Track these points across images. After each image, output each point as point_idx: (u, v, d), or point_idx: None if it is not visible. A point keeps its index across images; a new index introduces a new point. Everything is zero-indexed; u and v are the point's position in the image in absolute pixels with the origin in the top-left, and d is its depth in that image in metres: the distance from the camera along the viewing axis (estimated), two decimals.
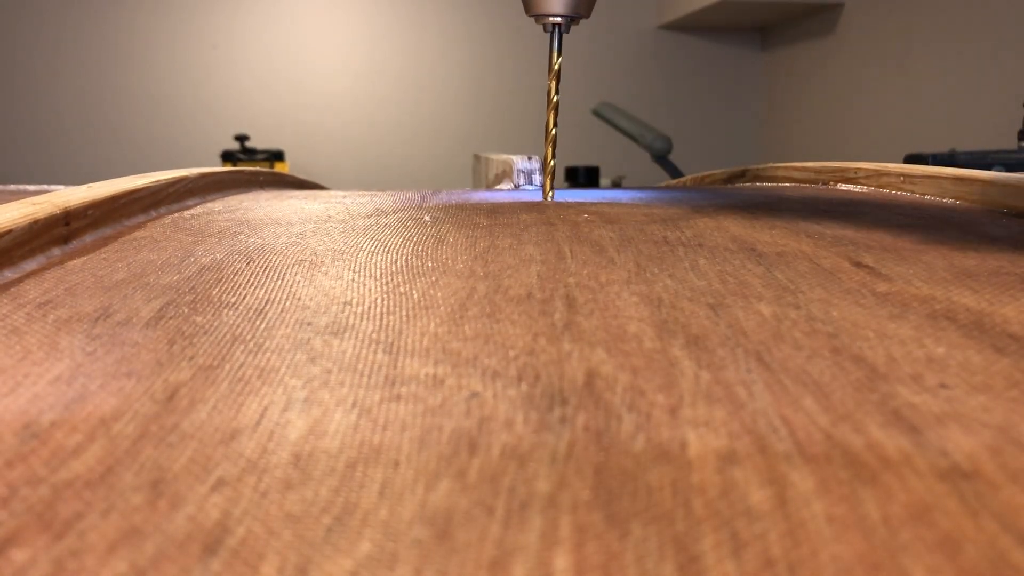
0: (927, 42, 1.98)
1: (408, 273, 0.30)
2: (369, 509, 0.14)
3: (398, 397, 0.19)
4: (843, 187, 0.64)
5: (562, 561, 0.13)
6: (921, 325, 0.24)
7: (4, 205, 0.33)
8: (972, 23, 1.84)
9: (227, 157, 2.40)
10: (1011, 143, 1.39)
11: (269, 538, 0.13)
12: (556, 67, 0.57)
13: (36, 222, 0.32)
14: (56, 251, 0.34)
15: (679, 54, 2.81)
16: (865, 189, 0.62)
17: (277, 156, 2.44)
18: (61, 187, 0.47)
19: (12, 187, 0.71)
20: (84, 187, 0.41)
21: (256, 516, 0.14)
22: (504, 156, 0.83)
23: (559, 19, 0.55)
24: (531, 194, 0.61)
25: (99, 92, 2.58)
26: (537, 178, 0.76)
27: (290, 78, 2.67)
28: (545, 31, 0.57)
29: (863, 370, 0.20)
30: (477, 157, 1.19)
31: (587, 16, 0.56)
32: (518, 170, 0.76)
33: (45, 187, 0.65)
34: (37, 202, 0.34)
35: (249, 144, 2.45)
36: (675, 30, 2.78)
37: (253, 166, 1.98)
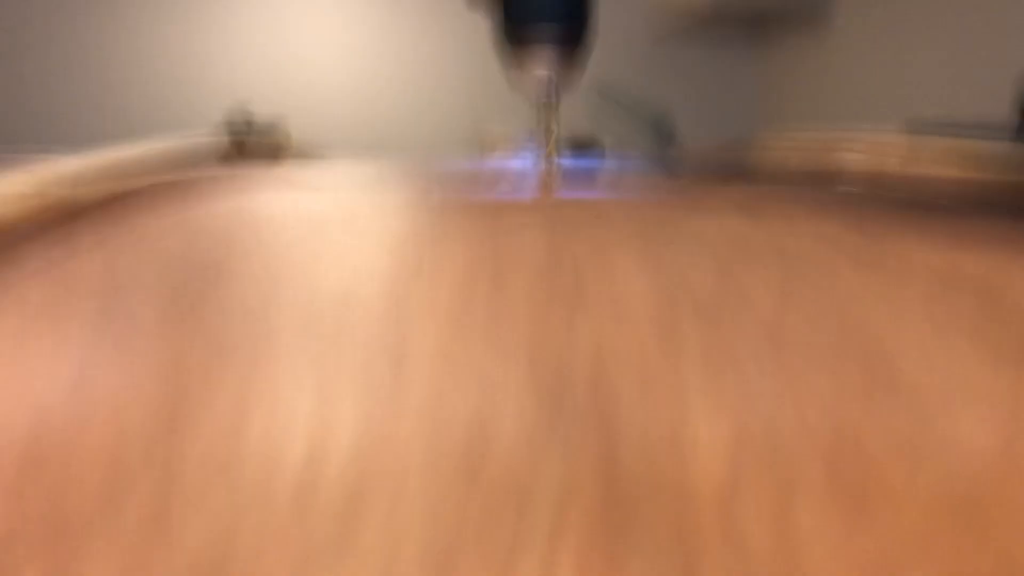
0: (921, 36, 1.96)
1: (412, 253, 0.30)
2: (375, 512, 0.14)
3: (405, 389, 0.19)
4: (844, 173, 0.63)
5: (568, 552, 0.13)
6: (928, 302, 0.23)
7: (3, 201, 0.33)
8: (966, 13, 1.82)
9: (228, 125, 2.39)
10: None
11: (277, 552, 0.13)
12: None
13: (37, 219, 0.32)
14: (58, 249, 0.34)
15: (679, 39, 2.78)
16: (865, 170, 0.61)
17: (278, 123, 2.43)
18: (59, 157, 0.46)
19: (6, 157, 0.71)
20: (85, 176, 0.41)
21: (258, 546, 0.14)
22: (506, 128, 0.83)
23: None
24: (534, 165, 0.61)
25: (100, 61, 2.56)
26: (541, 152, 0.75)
27: (291, 44, 2.65)
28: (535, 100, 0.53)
29: (872, 344, 0.20)
30: (479, 128, 1.19)
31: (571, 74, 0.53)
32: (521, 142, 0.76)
33: (42, 157, 0.65)
34: (38, 196, 0.34)
35: (250, 111, 2.44)
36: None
37: (255, 137, 1.97)
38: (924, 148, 0.56)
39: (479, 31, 2.70)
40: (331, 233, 0.37)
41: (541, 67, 0.52)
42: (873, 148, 0.62)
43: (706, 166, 0.63)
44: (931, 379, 0.19)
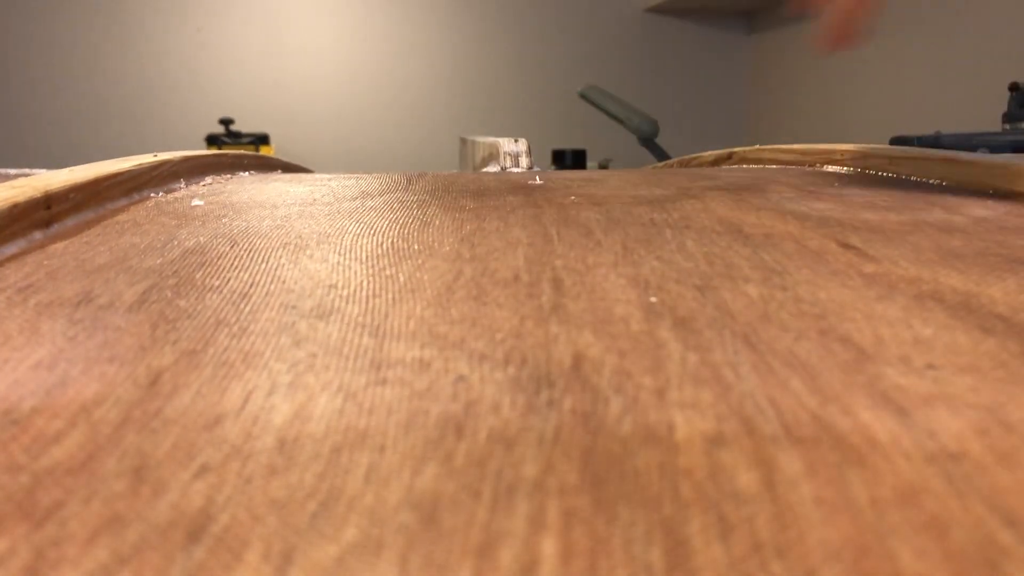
0: (912, 25, 1.98)
1: (394, 256, 0.30)
2: (355, 494, 0.14)
3: (384, 381, 0.18)
4: (829, 169, 0.64)
5: (549, 545, 0.13)
6: (908, 306, 0.24)
7: None
8: (957, 6, 1.84)
9: (212, 141, 2.39)
10: (996, 125, 1.40)
11: (253, 524, 0.13)
12: None
13: (16, 206, 0.32)
14: (37, 235, 0.33)
15: (666, 37, 2.81)
16: (851, 171, 0.62)
17: (262, 139, 2.42)
18: (43, 171, 0.46)
19: None
20: (66, 170, 0.41)
21: (240, 502, 0.14)
22: (491, 139, 0.83)
23: None
24: (519, 175, 0.61)
25: (82, 75, 2.56)
26: (524, 160, 0.75)
27: (275, 61, 2.65)
28: None
29: (850, 352, 0.20)
30: (464, 140, 1.19)
31: None
32: (505, 152, 0.76)
33: (26, 171, 0.65)
34: (17, 185, 0.34)
35: (234, 127, 2.44)
36: (662, 13, 2.77)
37: (238, 149, 1.97)
38: (908, 158, 0.57)
39: (464, 47, 2.71)
40: (315, 220, 0.37)
41: None
42: (859, 159, 0.62)
43: (691, 175, 0.63)
44: (912, 381, 0.19)
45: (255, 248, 0.31)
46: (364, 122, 2.73)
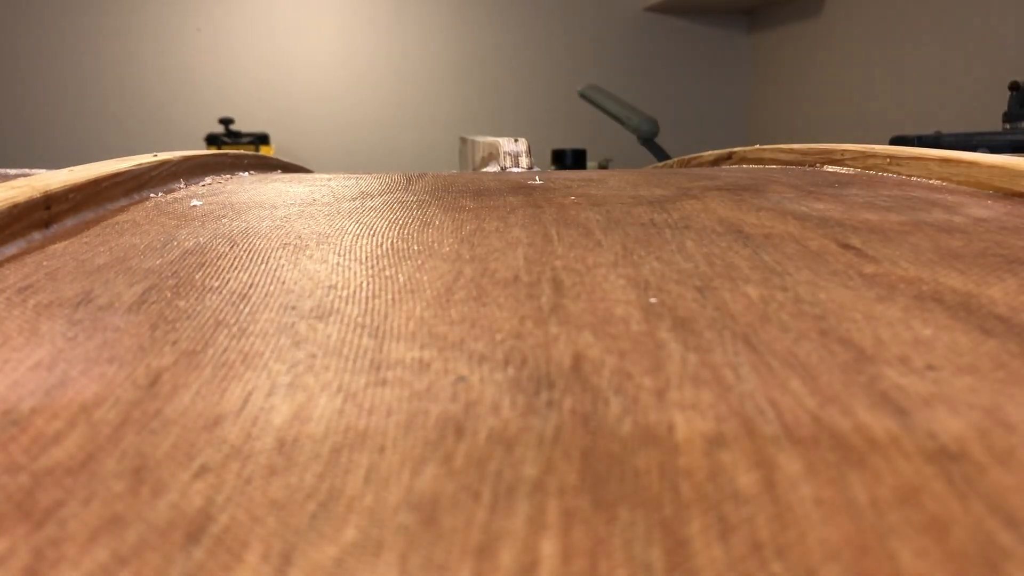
0: (913, 24, 1.98)
1: (394, 256, 0.30)
2: (354, 495, 0.14)
3: (384, 382, 0.18)
4: (829, 169, 0.64)
5: (549, 546, 0.13)
6: (908, 307, 0.24)
7: None
8: (958, 5, 1.84)
9: (212, 140, 2.39)
10: (996, 125, 1.40)
11: (253, 525, 0.13)
12: None
13: (16, 206, 0.32)
14: (37, 235, 0.33)
15: (666, 36, 2.81)
16: (851, 171, 0.62)
17: (262, 139, 2.42)
18: (42, 171, 0.46)
19: None
20: (65, 170, 0.41)
21: (240, 503, 0.14)
22: (491, 138, 0.83)
23: None
24: (519, 175, 0.61)
25: (81, 75, 2.56)
26: (524, 160, 0.75)
27: (275, 61, 2.65)
28: None
29: (850, 352, 0.20)
30: (463, 140, 1.19)
31: None
32: (505, 152, 0.76)
33: (26, 171, 0.65)
34: (17, 186, 0.34)
35: (234, 127, 2.43)
36: (662, 12, 2.77)
37: (238, 149, 1.97)
38: (909, 158, 0.57)
39: (464, 47, 2.71)
40: (315, 221, 0.37)
41: None
42: (859, 159, 0.62)
43: (691, 175, 0.63)
44: (912, 382, 0.19)
45: (255, 249, 0.31)
46: (364, 122, 2.73)
